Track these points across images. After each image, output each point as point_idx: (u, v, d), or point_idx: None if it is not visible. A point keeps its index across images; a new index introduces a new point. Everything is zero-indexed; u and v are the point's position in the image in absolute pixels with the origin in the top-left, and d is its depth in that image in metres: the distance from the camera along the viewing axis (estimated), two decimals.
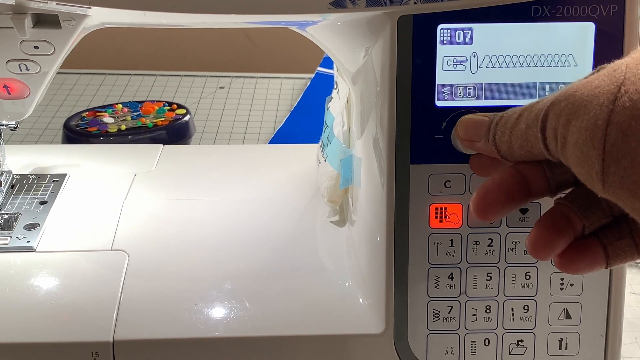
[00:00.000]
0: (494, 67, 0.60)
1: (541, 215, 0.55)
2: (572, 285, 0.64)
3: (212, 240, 0.74)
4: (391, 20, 0.59)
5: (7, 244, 0.72)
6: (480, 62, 0.60)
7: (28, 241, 0.73)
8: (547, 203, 0.62)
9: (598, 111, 0.43)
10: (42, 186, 0.81)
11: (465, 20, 0.59)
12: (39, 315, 0.65)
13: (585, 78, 0.46)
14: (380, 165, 0.63)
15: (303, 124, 1.16)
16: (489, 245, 0.63)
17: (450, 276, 0.63)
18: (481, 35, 0.59)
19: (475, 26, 0.59)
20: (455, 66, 0.60)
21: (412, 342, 0.64)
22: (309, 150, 0.87)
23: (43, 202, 0.78)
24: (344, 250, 0.73)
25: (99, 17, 0.63)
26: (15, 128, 0.75)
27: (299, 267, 0.71)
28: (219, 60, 1.46)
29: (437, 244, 0.63)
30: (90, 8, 0.59)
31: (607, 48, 0.59)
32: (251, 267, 0.71)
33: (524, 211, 0.62)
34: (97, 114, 1.12)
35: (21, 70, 0.66)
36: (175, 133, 1.09)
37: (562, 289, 0.64)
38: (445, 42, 0.59)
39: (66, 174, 0.83)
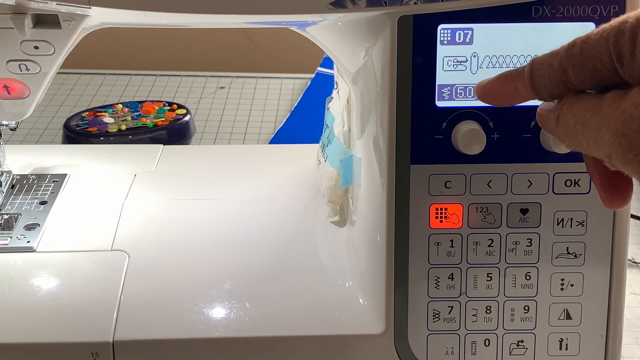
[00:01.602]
0: (494, 67, 0.60)
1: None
2: (572, 285, 0.64)
3: (212, 240, 0.74)
4: (391, 20, 0.59)
5: (7, 244, 0.72)
6: (480, 62, 0.60)
7: (28, 241, 0.72)
8: (546, 205, 0.62)
9: None
10: (42, 186, 0.81)
11: (465, 21, 0.59)
12: (39, 315, 0.65)
13: None
14: (381, 166, 0.63)
15: (303, 124, 1.16)
16: (489, 246, 0.63)
17: (451, 276, 0.63)
18: (481, 36, 0.59)
19: (476, 26, 0.59)
20: (455, 66, 0.60)
21: (412, 343, 0.64)
22: (309, 150, 0.87)
23: (43, 202, 0.78)
24: (344, 250, 0.73)
25: (99, 17, 0.63)
26: (15, 128, 0.75)
27: (299, 267, 0.71)
28: (219, 60, 1.46)
29: (438, 244, 0.63)
30: (90, 8, 0.59)
31: None
32: (251, 267, 0.71)
33: (524, 211, 0.62)
34: (97, 114, 1.12)
35: (21, 71, 0.66)
36: (176, 133, 1.09)
37: (562, 289, 0.64)
38: (445, 42, 0.59)
39: (66, 174, 0.83)
